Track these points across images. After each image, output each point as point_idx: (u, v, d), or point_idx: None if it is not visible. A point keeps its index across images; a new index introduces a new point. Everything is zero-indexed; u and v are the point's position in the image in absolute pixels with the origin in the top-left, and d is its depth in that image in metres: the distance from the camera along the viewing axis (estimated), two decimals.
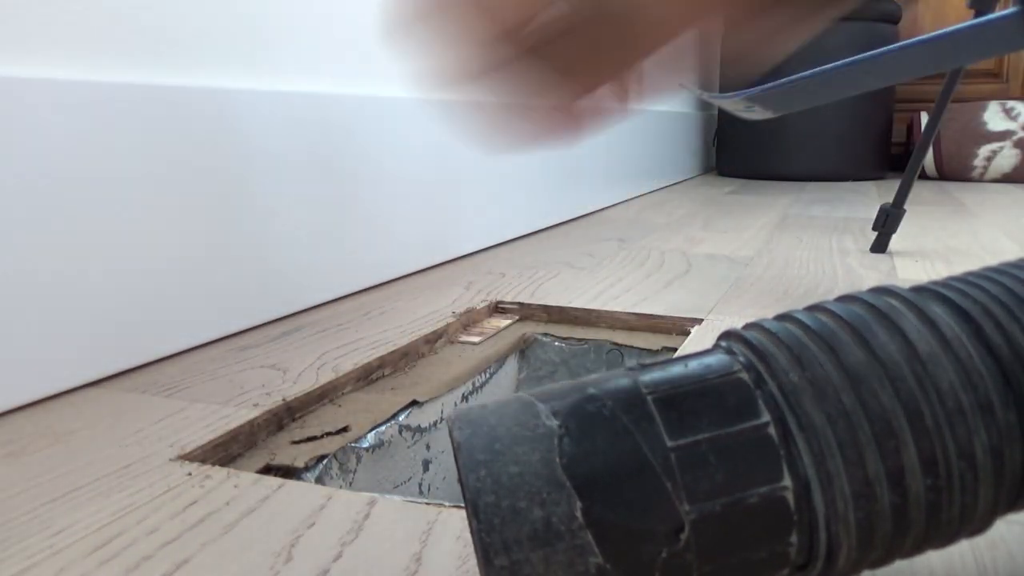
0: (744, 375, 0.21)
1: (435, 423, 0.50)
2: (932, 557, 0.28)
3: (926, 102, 2.17)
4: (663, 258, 0.88)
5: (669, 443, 0.20)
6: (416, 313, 0.63)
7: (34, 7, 0.43)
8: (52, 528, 0.30)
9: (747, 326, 0.24)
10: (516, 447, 0.20)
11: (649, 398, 0.21)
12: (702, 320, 0.60)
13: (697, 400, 0.21)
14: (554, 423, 0.20)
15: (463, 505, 0.31)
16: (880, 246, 0.90)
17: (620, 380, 0.22)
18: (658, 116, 1.68)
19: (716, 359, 0.22)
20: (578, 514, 0.19)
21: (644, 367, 0.22)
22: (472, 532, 0.20)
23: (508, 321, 0.64)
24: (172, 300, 0.51)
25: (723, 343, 0.24)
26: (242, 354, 0.52)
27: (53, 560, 0.28)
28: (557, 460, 0.19)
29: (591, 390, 0.21)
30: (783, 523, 0.20)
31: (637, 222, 1.19)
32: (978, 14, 0.82)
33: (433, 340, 0.58)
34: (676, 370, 0.22)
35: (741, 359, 0.22)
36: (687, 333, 0.58)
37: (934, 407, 0.20)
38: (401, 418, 0.47)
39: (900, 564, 0.28)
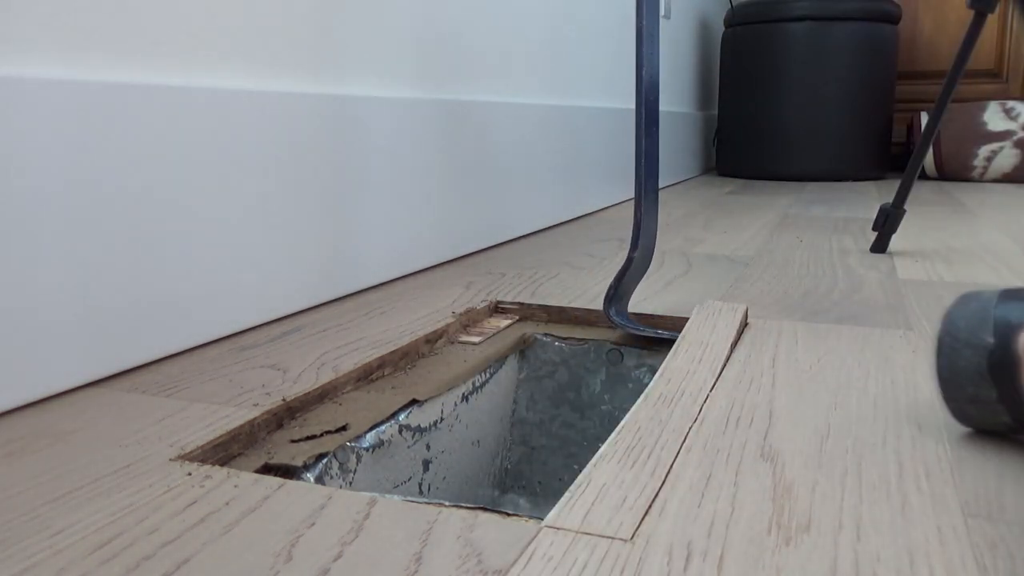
0: None
1: (435, 423, 0.50)
2: (932, 558, 0.28)
3: (926, 102, 2.18)
4: (663, 258, 0.88)
5: None
6: (416, 313, 0.63)
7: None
8: (52, 528, 0.31)
9: None
10: (965, 349, 0.37)
11: None
12: None
13: None
14: (991, 341, 0.36)
15: (464, 505, 0.31)
16: (880, 246, 0.90)
17: None
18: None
19: None
20: (994, 396, 0.37)
21: None
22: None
23: (508, 321, 0.64)
24: (172, 300, 0.51)
25: None
26: (242, 354, 0.53)
27: (53, 560, 0.28)
28: (986, 364, 0.36)
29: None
30: None
31: None
32: (978, 14, 0.82)
33: (433, 340, 0.58)
34: None
35: None
36: None
37: None
38: (401, 418, 0.47)
39: (898, 562, 0.28)
